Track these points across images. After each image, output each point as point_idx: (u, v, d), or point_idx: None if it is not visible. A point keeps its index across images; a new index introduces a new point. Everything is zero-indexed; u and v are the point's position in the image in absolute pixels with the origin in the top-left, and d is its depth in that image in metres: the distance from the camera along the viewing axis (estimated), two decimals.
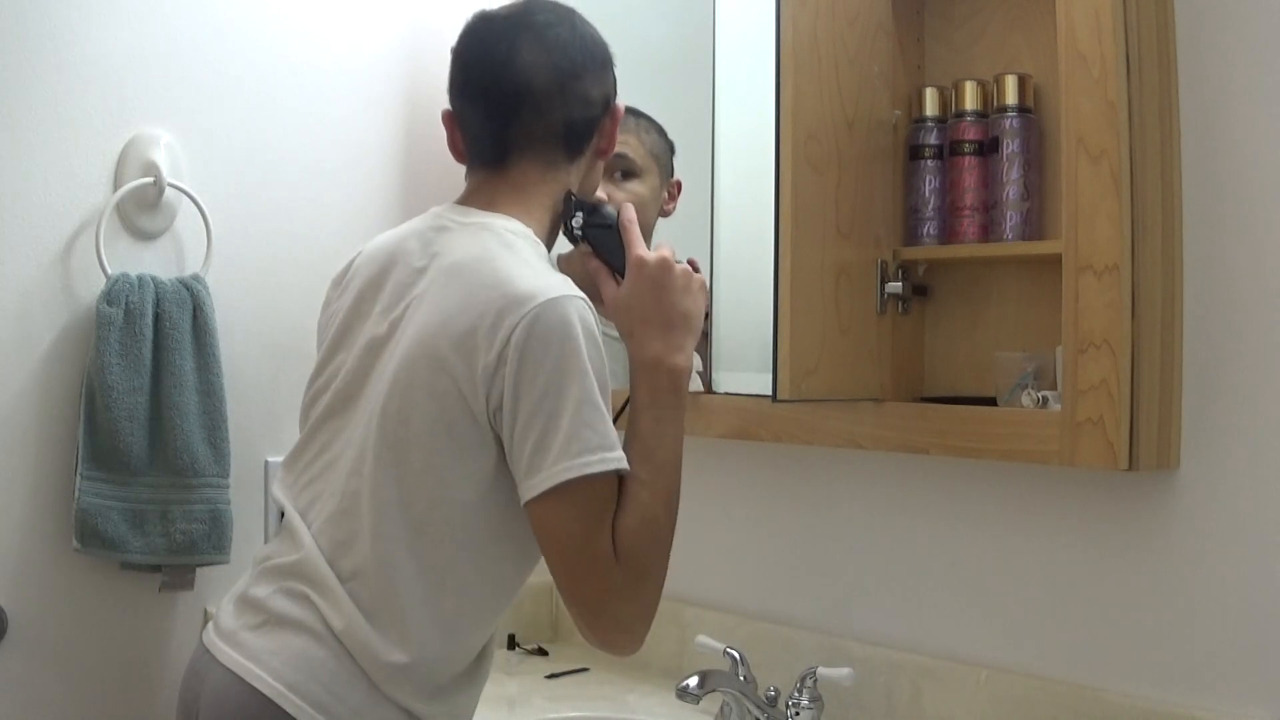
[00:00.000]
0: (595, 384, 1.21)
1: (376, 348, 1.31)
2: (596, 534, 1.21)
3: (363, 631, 1.23)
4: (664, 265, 1.33)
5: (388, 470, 1.25)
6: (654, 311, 1.32)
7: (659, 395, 1.29)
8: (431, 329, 1.24)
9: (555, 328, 1.20)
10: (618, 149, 1.53)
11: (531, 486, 1.20)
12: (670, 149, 1.88)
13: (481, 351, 1.21)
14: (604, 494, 1.22)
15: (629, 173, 1.74)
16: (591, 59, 1.38)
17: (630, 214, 1.37)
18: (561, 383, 1.19)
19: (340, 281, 1.43)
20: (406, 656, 1.23)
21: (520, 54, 1.33)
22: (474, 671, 1.34)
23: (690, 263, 1.38)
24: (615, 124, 1.42)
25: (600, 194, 1.44)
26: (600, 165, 1.44)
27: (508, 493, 1.25)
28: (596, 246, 1.37)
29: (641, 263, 1.33)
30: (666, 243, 1.38)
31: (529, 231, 1.32)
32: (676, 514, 1.28)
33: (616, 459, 1.21)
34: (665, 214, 1.81)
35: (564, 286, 1.24)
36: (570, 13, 1.40)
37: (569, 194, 1.37)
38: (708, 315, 1.78)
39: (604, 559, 1.21)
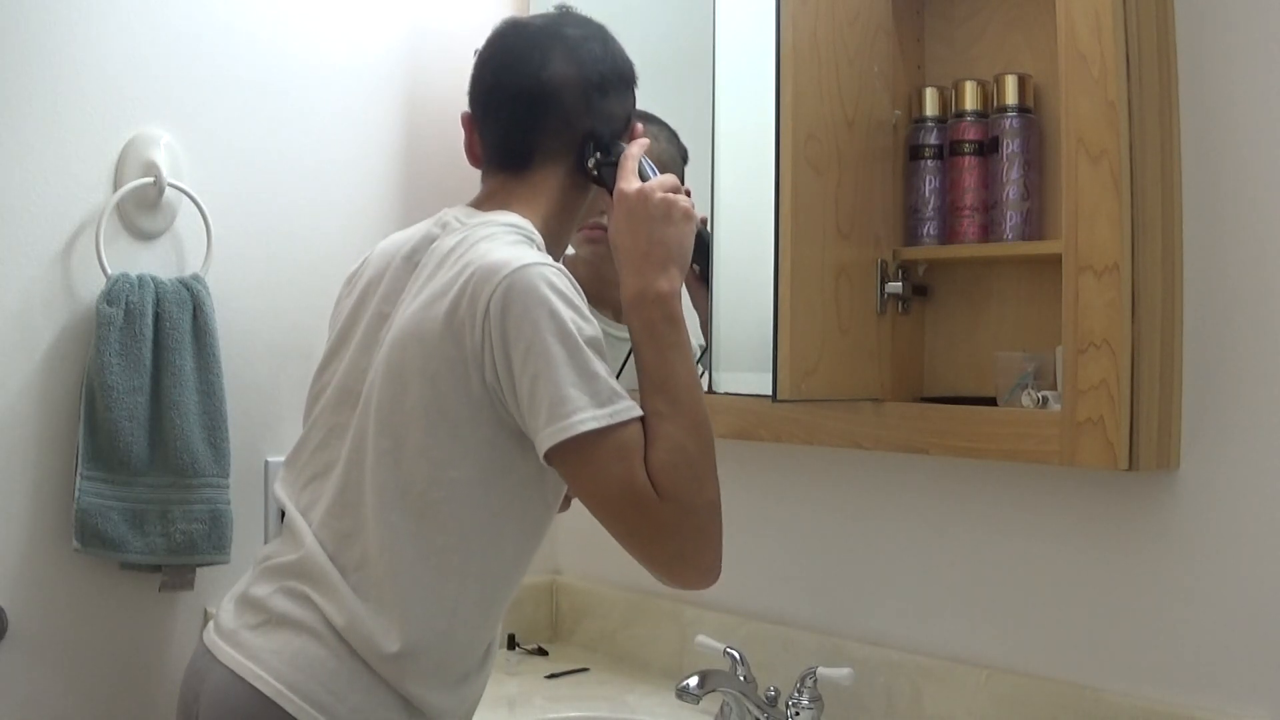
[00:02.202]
0: (579, 341, 1.20)
1: (374, 342, 1.32)
2: (626, 479, 1.19)
3: (366, 625, 1.23)
4: (640, 196, 1.31)
5: (386, 455, 1.25)
6: (631, 244, 1.30)
7: (654, 327, 1.27)
8: (419, 313, 1.26)
9: (528, 293, 1.20)
10: None
11: (538, 449, 1.20)
12: (682, 157, 1.86)
13: (467, 330, 1.22)
14: (613, 444, 1.19)
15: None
16: (619, 77, 1.40)
17: (632, 149, 1.36)
18: (542, 347, 1.18)
19: (351, 280, 1.44)
20: (411, 644, 1.23)
21: (552, 63, 1.35)
22: (479, 667, 1.34)
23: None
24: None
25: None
26: None
27: (507, 470, 1.25)
28: (608, 185, 1.37)
29: (621, 196, 1.33)
30: (670, 177, 1.36)
31: (528, 224, 1.33)
32: (710, 439, 1.26)
33: (609, 414, 1.19)
34: None
35: (536, 256, 1.25)
36: (601, 29, 1.41)
37: (588, 134, 1.37)
38: (707, 278, 1.76)
39: (643, 501, 1.19)
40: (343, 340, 1.38)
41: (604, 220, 1.55)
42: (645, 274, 1.29)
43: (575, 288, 1.25)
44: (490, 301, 1.20)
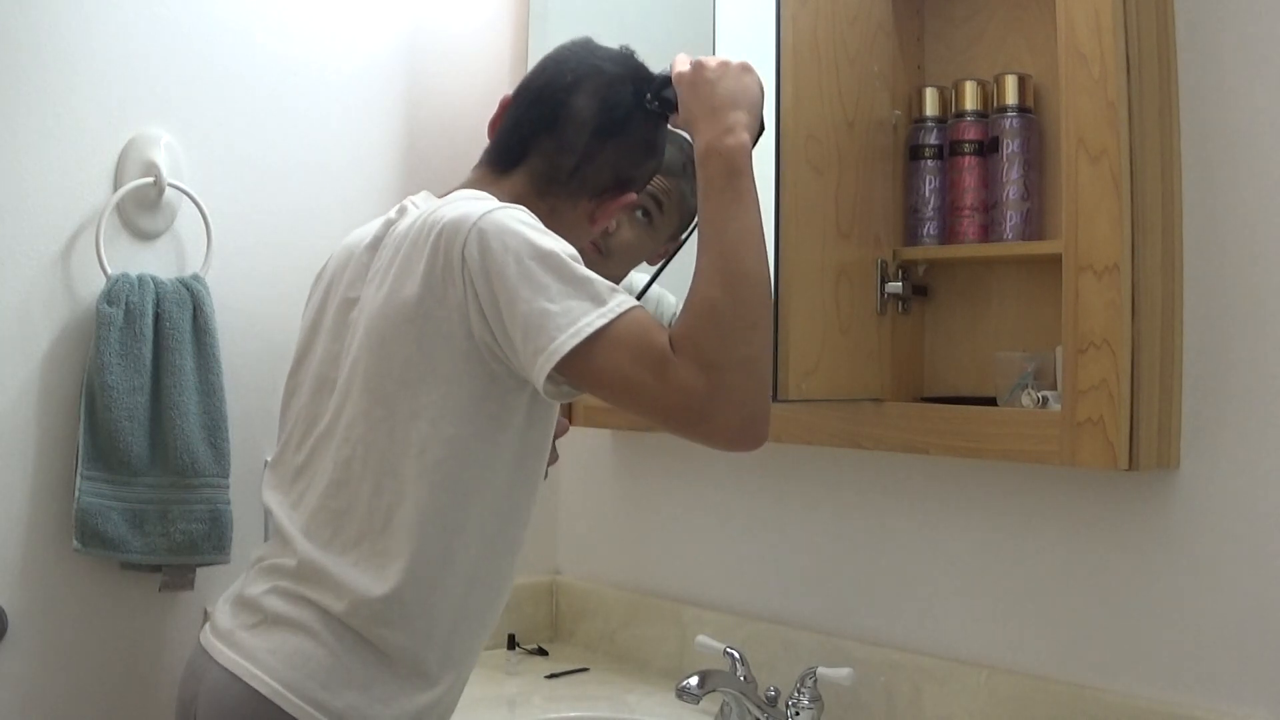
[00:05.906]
0: (562, 257, 1.19)
1: (344, 326, 1.33)
2: (640, 352, 1.17)
3: (368, 606, 1.23)
4: (696, 65, 1.33)
5: (380, 424, 1.25)
6: (698, 107, 1.31)
7: (713, 183, 1.27)
8: (394, 284, 1.27)
9: (502, 232, 1.21)
10: (660, 193, 1.57)
11: (539, 375, 1.18)
12: (686, 163, 1.85)
13: (448, 285, 1.22)
14: (619, 333, 1.17)
15: (647, 213, 1.67)
16: (639, 137, 1.40)
17: (679, 57, 1.37)
18: (529, 275, 1.18)
19: (317, 279, 1.46)
20: (403, 588, 1.23)
21: (578, 94, 1.36)
22: (463, 655, 1.33)
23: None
24: (617, 208, 1.42)
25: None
26: (589, 230, 1.43)
27: (500, 423, 1.26)
28: (673, 102, 1.37)
29: (679, 77, 1.34)
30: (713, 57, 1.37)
31: (488, 195, 1.33)
32: (754, 296, 1.22)
33: (614, 307, 1.17)
34: (650, 263, 1.77)
35: (497, 203, 1.26)
36: (646, 81, 1.40)
37: (639, 83, 1.39)
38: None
39: (660, 365, 1.17)
40: (313, 334, 1.40)
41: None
42: (714, 128, 1.29)
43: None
44: (465, 250, 1.21)
